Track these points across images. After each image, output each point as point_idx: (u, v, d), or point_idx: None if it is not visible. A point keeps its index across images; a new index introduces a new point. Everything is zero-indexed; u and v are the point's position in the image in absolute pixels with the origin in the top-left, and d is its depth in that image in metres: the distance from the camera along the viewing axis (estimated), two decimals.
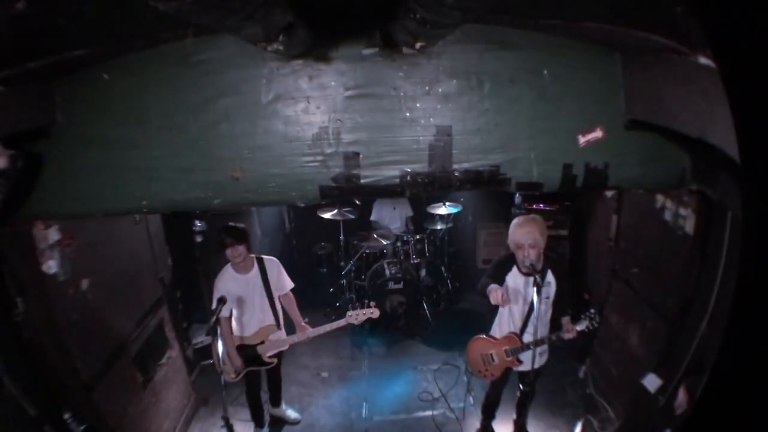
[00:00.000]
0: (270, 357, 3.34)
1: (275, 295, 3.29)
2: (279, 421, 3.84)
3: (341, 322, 3.26)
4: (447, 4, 1.42)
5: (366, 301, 3.36)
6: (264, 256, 3.30)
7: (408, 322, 5.14)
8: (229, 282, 3.15)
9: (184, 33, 2.21)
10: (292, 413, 3.88)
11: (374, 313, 3.24)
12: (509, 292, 2.94)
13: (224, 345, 2.90)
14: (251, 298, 3.21)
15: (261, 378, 3.55)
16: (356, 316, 3.24)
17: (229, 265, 3.17)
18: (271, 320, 3.29)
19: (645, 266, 3.48)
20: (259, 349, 3.29)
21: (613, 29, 2.01)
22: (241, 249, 3.05)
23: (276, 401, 3.82)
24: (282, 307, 3.41)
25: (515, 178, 2.55)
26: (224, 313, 3.09)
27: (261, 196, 2.51)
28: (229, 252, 3.05)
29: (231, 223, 3.16)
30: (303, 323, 3.40)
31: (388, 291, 4.96)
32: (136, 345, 3.25)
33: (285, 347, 3.44)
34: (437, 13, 1.54)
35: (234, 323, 3.26)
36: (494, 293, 2.76)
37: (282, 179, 2.48)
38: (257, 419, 3.66)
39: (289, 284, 3.40)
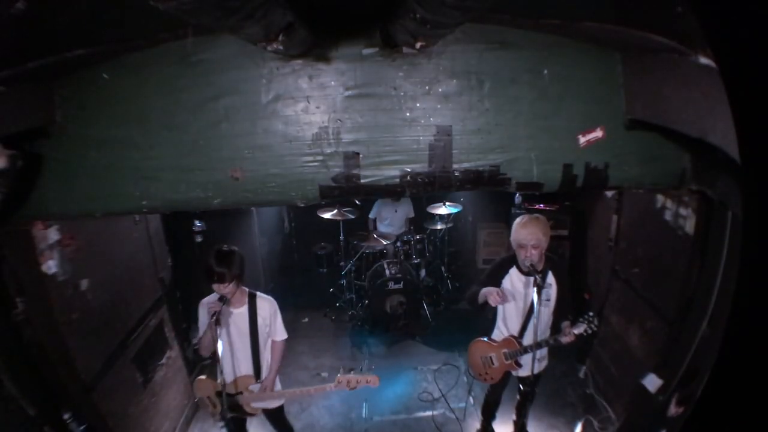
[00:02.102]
0: (252, 408, 2.83)
1: (262, 341, 2.74)
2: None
3: (326, 387, 2.77)
4: (447, 4, 1.42)
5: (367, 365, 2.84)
6: (259, 294, 2.75)
7: (408, 322, 5.14)
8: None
9: (184, 33, 2.21)
10: None
11: (371, 381, 2.71)
12: (507, 294, 2.93)
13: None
14: (231, 338, 2.68)
15: (245, 423, 3.05)
16: (347, 382, 2.70)
17: None
18: (249, 370, 2.75)
19: (645, 266, 3.48)
20: (240, 399, 2.77)
21: (613, 29, 2.01)
22: (230, 287, 2.51)
23: None
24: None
25: (515, 178, 2.55)
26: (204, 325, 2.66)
27: (261, 196, 2.51)
28: (216, 287, 2.50)
29: (224, 247, 2.56)
30: (271, 385, 2.80)
31: (388, 291, 4.96)
32: (136, 345, 3.25)
33: (269, 402, 2.90)
34: (437, 13, 1.54)
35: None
36: (492, 297, 2.73)
37: (282, 179, 2.47)
38: None
39: (282, 334, 2.84)
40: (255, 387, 2.80)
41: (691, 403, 2.48)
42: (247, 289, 2.73)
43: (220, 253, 2.53)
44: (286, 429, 3.17)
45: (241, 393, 2.78)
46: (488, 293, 2.78)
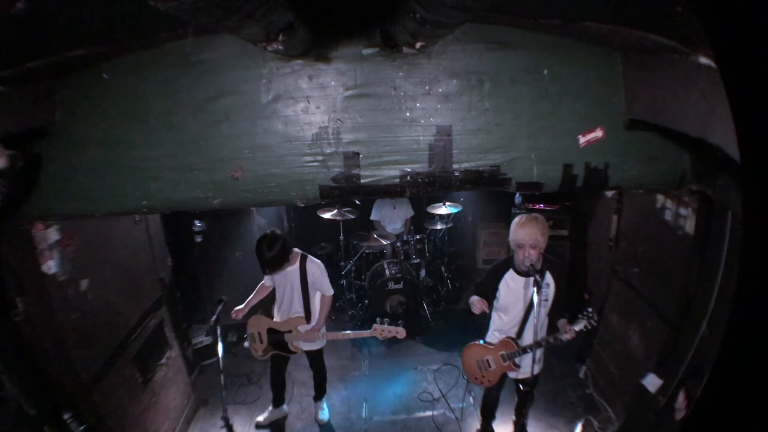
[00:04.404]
0: (295, 347, 3.42)
1: (312, 292, 3.36)
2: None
3: (364, 333, 3.29)
4: (447, 4, 1.42)
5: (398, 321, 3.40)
6: (310, 257, 3.37)
7: (408, 322, 5.13)
8: None
9: (184, 33, 2.21)
10: (321, 415, 3.88)
11: (400, 333, 3.22)
12: (504, 296, 2.93)
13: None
14: (286, 288, 3.36)
15: (286, 362, 3.68)
16: (381, 331, 3.22)
17: None
18: (300, 312, 3.37)
19: (645, 266, 3.48)
20: (287, 336, 3.38)
21: (613, 29, 2.01)
22: (292, 264, 3.20)
23: (315, 396, 3.93)
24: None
25: (515, 178, 2.55)
26: (268, 282, 3.48)
27: (261, 196, 2.51)
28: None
29: (268, 231, 3.14)
30: (320, 327, 3.41)
31: (388, 291, 4.95)
32: (136, 345, 3.25)
33: (311, 341, 3.45)
34: (437, 13, 1.55)
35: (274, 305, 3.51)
36: (473, 306, 2.89)
37: (282, 179, 2.48)
38: (276, 399, 3.83)
39: (328, 291, 3.44)
40: (303, 328, 3.39)
41: (691, 403, 2.48)
42: (299, 252, 3.35)
43: (267, 241, 3.04)
44: (323, 368, 3.79)
45: (290, 331, 3.37)
46: (470, 303, 2.92)
